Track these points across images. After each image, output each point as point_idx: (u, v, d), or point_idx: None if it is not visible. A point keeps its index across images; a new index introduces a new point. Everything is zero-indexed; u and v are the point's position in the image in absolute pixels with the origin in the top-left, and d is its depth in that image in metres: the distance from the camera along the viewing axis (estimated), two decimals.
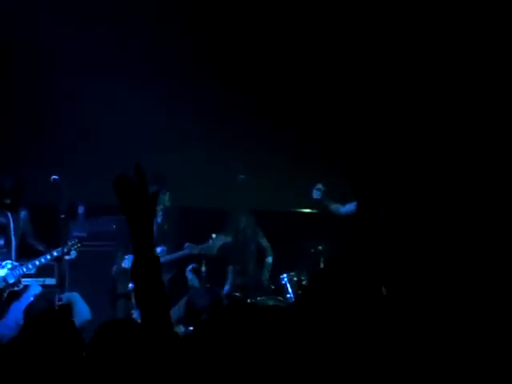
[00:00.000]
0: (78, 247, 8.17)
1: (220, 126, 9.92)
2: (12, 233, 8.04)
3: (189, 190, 9.57)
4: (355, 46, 9.88)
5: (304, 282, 8.68)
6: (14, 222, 8.06)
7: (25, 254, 8.13)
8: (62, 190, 7.88)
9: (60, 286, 8.31)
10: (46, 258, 8.01)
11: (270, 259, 9.56)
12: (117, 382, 3.47)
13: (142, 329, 3.02)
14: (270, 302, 8.33)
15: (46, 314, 3.73)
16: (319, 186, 7.84)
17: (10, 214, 8.06)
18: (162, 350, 2.92)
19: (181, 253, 9.07)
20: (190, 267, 8.96)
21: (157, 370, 2.93)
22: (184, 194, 9.40)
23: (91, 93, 9.59)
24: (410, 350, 3.01)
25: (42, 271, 8.14)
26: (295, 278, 8.87)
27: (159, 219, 9.18)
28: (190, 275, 8.92)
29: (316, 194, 7.88)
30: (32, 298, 7.89)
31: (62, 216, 7.94)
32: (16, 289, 7.94)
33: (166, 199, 9.19)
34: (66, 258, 8.09)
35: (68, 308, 7.04)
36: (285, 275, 8.91)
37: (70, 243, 8.12)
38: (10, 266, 7.94)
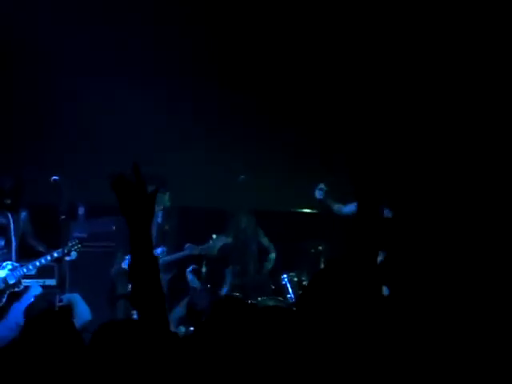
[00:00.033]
0: (78, 248, 8.15)
1: (220, 126, 9.92)
2: (12, 233, 8.03)
3: (189, 190, 9.57)
4: (355, 46, 9.88)
5: (304, 283, 8.68)
6: (14, 222, 8.05)
7: (25, 254, 8.12)
8: (62, 190, 7.87)
9: (60, 287, 8.30)
10: (46, 259, 8.00)
11: (273, 255, 9.56)
12: (116, 382, 3.48)
13: (139, 329, 3.02)
14: (271, 303, 8.33)
15: (46, 315, 3.72)
16: (321, 185, 7.84)
17: (10, 215, 8.05)
18: (159, 349, 2.92)
19: (181, 253, 9.07)
20: (190, 268, 8.96)
21: (156, 371, 2.93)
22: (184, 194, 9.40)
23: (91, 93, 9.59)
24: (411, 351, 3.00)
25: (42, 272, 8.13)
26: (295, 279, 8.87)
27: (159, 219, 9.17)
28: (190, 276, 8.92)
29: (318, 194, 7.88)
30: (32, 299, 7.88)
31: (63, 217, 7.93)
32: (16, 290, 7.93)
33: (166, 199, 9.18)
34: (67, 258, 8.08)
35: (68, 309, 7.03)
36: (285, 275, 8.90)
37: (70, 244, 8.11)
38: (10, 267, 7.93)
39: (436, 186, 8.66)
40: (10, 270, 7.92)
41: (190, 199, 9.69)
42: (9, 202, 8.00)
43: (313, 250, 9.15)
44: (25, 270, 7.94)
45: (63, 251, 7.98)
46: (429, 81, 9.71)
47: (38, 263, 7.97)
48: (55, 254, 8.01)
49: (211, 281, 8.98)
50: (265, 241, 9.65)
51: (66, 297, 7.88)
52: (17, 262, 8.00)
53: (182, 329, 7.94)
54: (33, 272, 7.99)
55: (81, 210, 9.31)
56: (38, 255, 8.06)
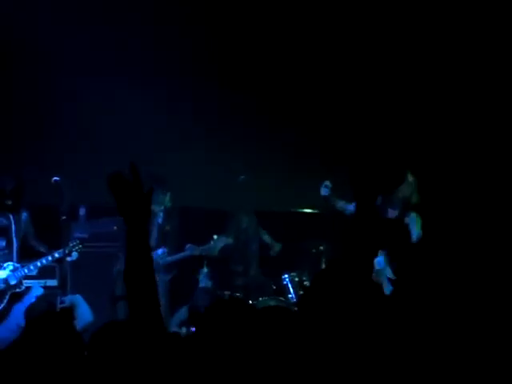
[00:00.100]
0: (79, 248, 8.14)
1: (220, 125, 9.92)
2: (13, 234, 8.01)
3: (189, 190, 9.57)
4: (355, 47, 9.88)
5: (306, 283, 8.68)
6: (15, 223, 8.03)
7: (26, 255, 8.10)
8: (63, 191, 7.86)
9: (62, 288, 8.27)
10: (47, 260, 7.98)
11: (278, 246, 9.57)
12: (116, 382, 3.48)
13: (133, 328, 3.01)
14: (272, 303, 8.33)
15: (46, 316, 3.72)
16: (327, 182, 7.80)
17: (11, 216, 8.03)
18: (153, 349, 2.92)
19: (182, 254, 9.08)
20: (205, 270, 8.96)
21: (154, 371, 2.93)
22: (184, 195, 9.40)
23: (91, 93, 9.58)
24: (412, 351, 3.00)
25: (43, 273, 8.12)
26: (297, 279, 8.86)
27: (160, 220, 9.17)
28: (204, 281, 8.91)
29: (324, 191, 7.84)
30: (34, 300, 7.87)
31: (64, 217, 7.91)
32: (18, 290, 7.91)
33: (166, 200, 9.18)
34: (68, 259, 8.06)
35: (70, 310, 7.02)
36: (286, 275, 8.90)
37: (71, 244, 8.10)
38: (11, 268, 7.91)
39: (436, 186, 8.66)
40: (11, 270, 7.90)
41: (190, 199, 9.69)
42: (10, 202, 7.98)
43: (314, 250, 9.16)
44: (26, 271, 7.92)
45: (64, 252, 7.97)
46: (428, 81, 9.72)
47: (39, 264, 7.96)
48: (56, 255, 7.99)
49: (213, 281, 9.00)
50: (266, 238, 9.67)
51: (68, 298, 7.87)
52: (18, 262, 7.98)
53: (184, 329, 7.95)
54: (34, 273, 7.97)
55: (82, 211, 9.30)
56: (39, 256, 8.04)
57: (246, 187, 9.51)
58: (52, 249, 8.11)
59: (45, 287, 8.18)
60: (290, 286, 8.86)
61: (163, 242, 9.08)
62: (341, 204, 7.79)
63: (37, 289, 8.06)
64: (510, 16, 9.24)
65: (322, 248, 9.12)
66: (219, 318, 3.23)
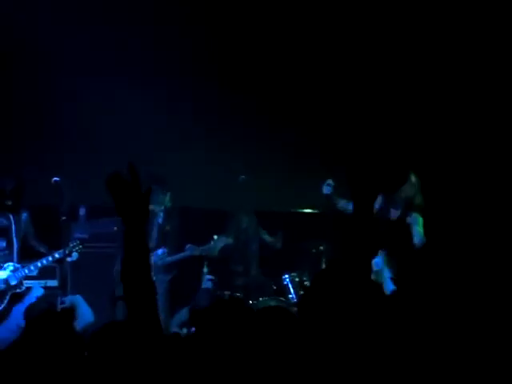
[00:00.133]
0: (79, 249, 8.15)
1: (220, 125, 9.91)
2: (14, 235, 8.02)
3: (189, 190, 9.56)
4: (355, 47, 9.88)
5: (306, 283, 8.68)
6: (15, 223, 8.03)
7: (26, 255, 8.11)
8: (63, 191, 7.86)
9: (62, 288, 8.28)
10: (47, 260, 7.99)
11: (280, 242, 9.56)
12: (114, 382, 3.48)
13: (130, 328, 3.01)
14: (272, 303, 8.33)
15: (46, 317, 3.72)
16: (329, 181, 7.79)
17: (11, 216, 8.03)
18: (150, 348, 2.92)
19: (182, 254, 9.07)
20: (209, 277, 8.96)
21: (152, 371, 2.93)
22: (184, 195, 9.39)
23: (91, 93, 9.58)
24: (413, 351, 3.00)
25: (43, 273, 8.12)
26: (297, 279, 8.86)
27: (160, 220, 9.17)
28: (208, 283, 8.92)
29: (326, 190, 7.82)
30: (34, 300, 7.87)
31: (64, 218, 7.91)
32: (18, 291, 7.92)
33: (166, 200, 9.18)
34: (68, 259, 8.06)
35: (71, 311, 7.02)
36: (286, 276, 8.90)
37: (71, 245, 8.10)
38: (11, 268, 7.92)
39: (439, 187, 8.67)
40: (11, 271, 7.91)
41: (191, 199, 9.69)
42: (10, 203, 7.98)
43: (314, 250, 9.16)
44: (26, 271, 7.93)
45: (64, 252, 7.97)
46: (428, 81, 9.72)
47: (39, 264, 7.96)
48: (56, 255, 8.00)
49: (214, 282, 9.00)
50: (267, 237, 9.66)
51: (69, 299, 7.86)
52: (18, 263, 7.99)
53: (184, 330, 7.95)
54: (34, 273, 7.98)
55: (82, 211, 9.30)
56: (40, 256, 8.05)
57: (246, 187, 9.50)
58: (52, 249, 8.11)
59: (45, 287, 8.18)
60: (290, 286, 8.85)
61: (163, 242, 9.07)
62: (342, 203, 7.78)
63: (37, 289, 8.06)
64: (510, 16, 9.24)
65: (322, 248, 9.12)
66: (218, 318, 3.23)
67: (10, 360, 3.49)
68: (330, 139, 9.96)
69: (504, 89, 9.35)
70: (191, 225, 9.34)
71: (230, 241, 9.22)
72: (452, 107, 9.63)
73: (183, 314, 8.55)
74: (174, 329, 8.43)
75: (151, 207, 8.95)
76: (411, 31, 9.65)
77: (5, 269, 7.90)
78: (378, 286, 6.54)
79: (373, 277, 6.55)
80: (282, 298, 8.67)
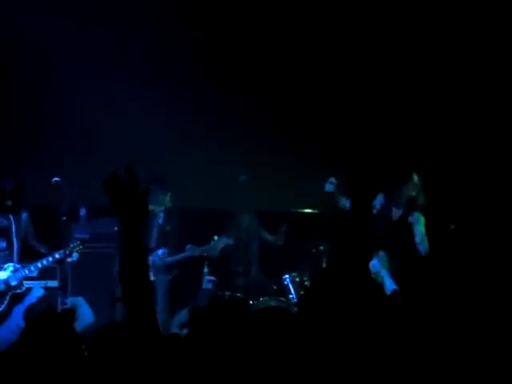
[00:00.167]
0: (79, 249, 8.14)
1: (220, 125, 9.92)
2: (14, 235, 8.01)
3: (189, 190, 9.56)
4: (355, 47, 9.88)
5: (306, 283, 8.67)
6: (15, 224, 8.03)
7: (27, 256, 8.10)
8: (63, 192, 7.85)
9: (62, 288, 8.27)
10: (48, 260, 7.97)
11: (281, 238, 9.54)
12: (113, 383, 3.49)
13: (128, 329, 3.02)
14: (273, 303, 8.32)
15: (46, 317, 3.72)
16: (332, 179, 7.80)
17: (11, 217, 8.02)
18: (147, 349, 2.92)
19: (182, 255, 9.06)
20: (210, 278, 8.95)
21: (150, 372, 2.93)
22: (184, 195, 9.39)
23: (91, 93, 9.57)
24: (414, 351, 3.00)
25: (44, 273, 8.10)
26: (297, 279, 8.85)
27: (160, 220, 9.17)
28: (208, 284, 8.91)
29: (329, 187, 7.84)
30: (35, 301, 7.87)
31: (64, 218, 7.89)
32: (18, 291, 7.91)
33: (166, 200, 9.17)
34: (68, 260, 8.05)
35: (71, 312, 7.02)
36: (287, 276, 8.89)
37: (71, 245, 8.09)
38: (12, 269, 7.91)
39: (439, 185, 8.67)
40: (11, 271, 7.90)
41: (191, 200, 9.68)
42: (10, 203, 7.97)
43: (314, 250, 9.16)
44: (26, 272, 7.92)
45: (65, 252, 7.95)
46: (425, 82, 9.73)
47: (39, 265, 7.95)
48: (57, 256, 7.99)
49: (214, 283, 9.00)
50: (267, 236, 9.65)
51: (70, 300, 7.87)
52: (18, 263, 7.98)
53: (184, 331, 7.93)
54: (35, 273, 7.96)
55: (82, 211, 9.29)
56: (40, 257, 8.04)
57: (246, 187, 9.50)
58: (52, 249, 8.09)
59: (45, 288, 8.16)
60: (290, 286, 8.84)
61: (163, 243, 9.06)
62: (344, 201, 7.80)
63: (37, 290, 8.05)
64: (510, 16, 9.24)
65: (322, 248, 9.11)
66: (216, 318, 3.22)
67: (10, 361, 3.49)
68: (330, 139, 9.96)
69: (504, 88, 9.36)
70: (191, 225, 9.33)
71: (230, 241, 9.20)
72: (453, 106, 9.64)
73: (183, 314, 8.55)
74: (174, 329, 8.43)
75: (151, 207, 8.95)
76: (411, 31, 9.66)
77: (5, 269, 7.89)
78: (378, 285, 6.54)
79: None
80: (282, 298, 8.66)
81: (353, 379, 2.78)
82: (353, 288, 2.91)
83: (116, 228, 8.81)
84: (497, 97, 9.41)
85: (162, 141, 9.91)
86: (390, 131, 9.74)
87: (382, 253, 7.52)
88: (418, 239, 7.46)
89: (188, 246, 9.05)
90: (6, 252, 7.98)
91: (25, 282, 7.95)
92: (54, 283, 8.38)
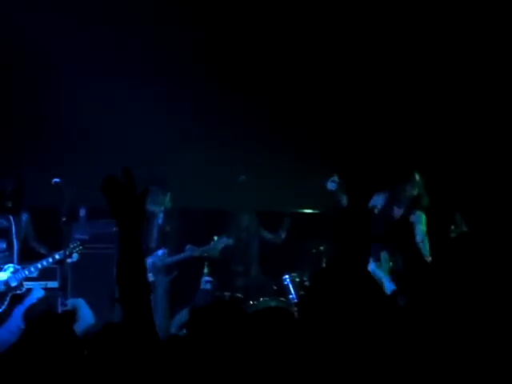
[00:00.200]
0: (79, 250, 8.14)
1: (220, 125, 9.91)
2: (14, 236, 8.01)
3: (189, 190, 9.56)
4: (355, 47, 9.88)
5: (306, 283, 8.67)
6: (15, 225, 8.03)
7: (27, 257, 8.10)
8: (63, 192, 7.85)
9: (62, 289, 8.29)
10: (48, 261, 7.97)
11: (283, 233, 9.54)
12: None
13: (125, 330, 3.02)
14: (273, 304, 8.32)
15: (45, 319, 3.72)
16: (334, 177, 7.80)
17: (11, 218, 8.03)
18: (145, 350, 2.93)
19: (182, 255, 9.05)
20: (207, 278, 8.96)
21: (147, 373, 2.93)
22: (184, 195, 9.38)
23: (91, 93, 9.57)
24: (414, 351, 3.00)
25: (44, 274, 8.10)
26: (297, 279, 8.86)
27: (160, 221, 9.16)
28: (206, 285, 8.92)
29: (331, 186, 7.83)
30: (35, 302, 7.87)
31: (64, 219, 7.90)
32: (18, 292, 7.91)
33: (166, 200, 9.17)
34: (68, 260, 8.05)
35: (72, 314, 7.01)
36: (287, 276, 8.90)
37: (71, 246, 8.09)
38: (12, 270, 7.91)
39: (441, 184, 8.67)
40: (11, 272, 7.90)
41: (190, 200, 9.68)
42: (10, 204, 7.98)
43: (314, 251, 9.16)
44: (27, 273, 7.92)
45: (65, 253, 7.96)
46: (425, 82, 9.73)
47: (39, 265, 7.95)
48: (57, 256, 7.99)
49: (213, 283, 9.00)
50: (266, 234, 9.65)
51: (70, 301, 7.87)
52: (18, 264, 7.98)
53: (184, 331, 7.93)
54: (35, 274, 7.96)
55: (82, 212, 9.29)
56: (40, 257, 8.04)
57: (246, 187, 9.50)
58: (52, 250, 8.10)
59: (46, 289, 8.17)
60: (290, 286, 8.85)
61: (163, 243, 9.06)
62: (345, 200, 7.80)
63: (38, 290, 8.05)
64: (510, 16, 9.24)
65: (322, 248, 9.12)
66: (212, 319, 3.23)
67: (9, 362, 3.49)
68: (330, 139, 9.96)
69: (504, 87, 9.36)
70: (191, 225, 9.33)
71: (230, 241, 9.20)
72: (454, 105, 9.65)
73: (183, 314, 8.55)
74: (174, 330, 8.44)
75: (151, 208, 8.96)
76: (411, 30, 9.66)
77: (5, 270, 7.89)
78: (378, 284, 6.55)
79: None
80: (282, 299, 8.66)
81: (353, 379, 2.78)
82: (352, 288, 2.91)
83: (116, 229, 8.82)
84: (498, 96, 9.41)
85: (161, 141, 9.90)
86: (391, 130, 9.74)
87: (383, 253, 7.53)
88: (418, 239, 7.47)
89: (188, 247, 9.05)
90: (6, 253, 7.98)
91: (25, 283, 7.95)
92: (54, 284, 8.38)
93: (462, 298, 3.28)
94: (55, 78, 9.69)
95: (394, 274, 7.43)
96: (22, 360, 3.47)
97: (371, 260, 7.42)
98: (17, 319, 7.69)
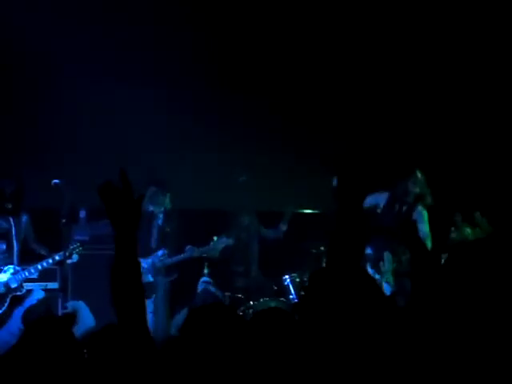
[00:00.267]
0: (79, 251, 8.15)
1: (220, 125, 9.90)
2: (14, 237, 8.02)
3: (189, 190, 9.55)
4: (355, 47, 9.88)
5: (306, 283, 8.66)
6: (15, 226, 8.03)
7: (27, 258, 8.11)
8: (63, 194, 7.84)
9: (62, 290, 8.29)
10: (48, 262, 7.98)
11: (284, 227, 9.52)
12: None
13: (120, 332, 3.02)
14: (273, 304, 8.32)
15: (44, 321, 3.72)
16: None
17: (11, 219, 8.03)
18: (138, 352, 2.93)
19: (182, 256, 9.04)
20: (205, 279, 8.96)
21: (144, 374, 2.93)
22: (184, 195, 9.38)
23: (91, 93, 9.56)
24: (414, 351, 2.99)
25: (44, 275, 8.11)
26: (297, 279, 8.87)
27: (160, 221, 9.15)
28: (204, 285, 8.91)
29: (336, 182, 7.84)
30: (35, 303, 7.87)
31: (64, 220, 7.90)
32: (19, 293, 7.91)
33: (166, 201, 9.16)
34: (68, 261, 8.06)
35: (72, 316, 7.01)
36: (287, 276, 8.90)
37: (71, 247, 8.10)
38: (12, 271, 7.91)
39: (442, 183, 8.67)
40: (11, 273, 7.90)
41: (190, 200, 9.67)
42: (10, 206, 7.98)
43: (314, 251, 9.16)
44: (27, 274, 7.92)
45: (65, 254, 7.96)
46: (430, 80, 9.72)
47: (39, 266, 7.95)
48: (57, 257, 7.99)
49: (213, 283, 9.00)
50: (267, 232, 9.63)
51: (70, 304, 7.87)
52: (19, 265, 7.99)
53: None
54: (35, 275, 7.97)
55: (82, 213, 9.29)
56: (40, 259, 8.05)
57: (246, 187, 9.49)
58: (52, 251, 8.10)
59: (46, 290, 8.18)
60: (290, 286, 8.86)
61: (163, 244, 9.06)
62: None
63: (38, 292, 8.06)
64: (510, 16, 9.24)
65: (322, 248, 9.11)
66: (207, 320, 3.22)
67: (8, 364, 3.49)
68: (330, 139, 9.96)
69: (505, 86, 9.36)
70: (191, 226, 9.32)
71: (230, 241, 9.19)
72: (455, 105, 9.65)
73: (183, 315, 8.54)
74: (174, 330, 8.43)
75: (151, 208, 8.96)
76: (411, 30, 9.65)
77: (5, 271, 7.90)
78: (377, 285, 6.55)
79: None
80: (282, 299, 8.66)
81: (352, 379, 2.78)
82: (351, 287, 2.91)
83: None
84: (499, 95, 9.41)
85: (161, 141, 9.90)
86: (392, 129, 9.74)
87: (386, 253, 7.53)
88: (421, 236, 7.46)
89: (188, 247, 9.04)
90: (6, 254, 7.99)
91: (25, 284, 7.96)
92: (54, 285, 8.39)
93: (462, 299, 3.27)
94: (55, 78, 9.69)
95: (397, 275, 7.43)
96: (21, 362, 3.47)
97: (368, 265, 7.43)
98: (17, 320, 7.69)
